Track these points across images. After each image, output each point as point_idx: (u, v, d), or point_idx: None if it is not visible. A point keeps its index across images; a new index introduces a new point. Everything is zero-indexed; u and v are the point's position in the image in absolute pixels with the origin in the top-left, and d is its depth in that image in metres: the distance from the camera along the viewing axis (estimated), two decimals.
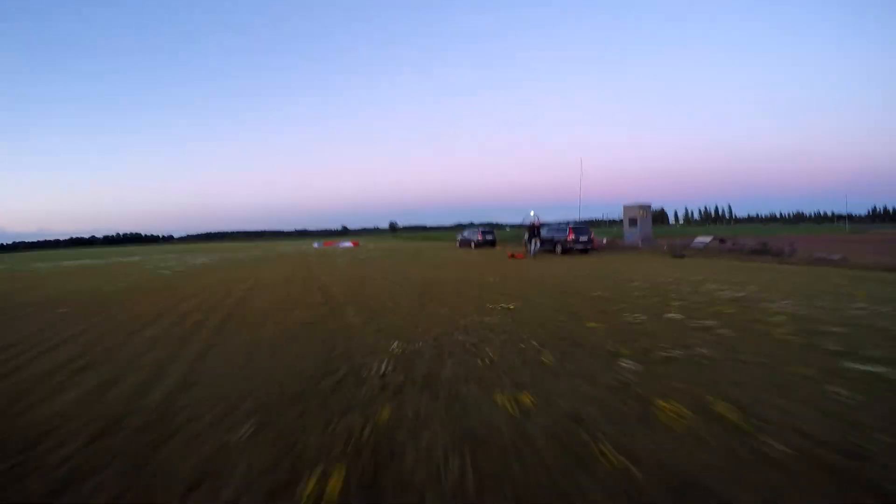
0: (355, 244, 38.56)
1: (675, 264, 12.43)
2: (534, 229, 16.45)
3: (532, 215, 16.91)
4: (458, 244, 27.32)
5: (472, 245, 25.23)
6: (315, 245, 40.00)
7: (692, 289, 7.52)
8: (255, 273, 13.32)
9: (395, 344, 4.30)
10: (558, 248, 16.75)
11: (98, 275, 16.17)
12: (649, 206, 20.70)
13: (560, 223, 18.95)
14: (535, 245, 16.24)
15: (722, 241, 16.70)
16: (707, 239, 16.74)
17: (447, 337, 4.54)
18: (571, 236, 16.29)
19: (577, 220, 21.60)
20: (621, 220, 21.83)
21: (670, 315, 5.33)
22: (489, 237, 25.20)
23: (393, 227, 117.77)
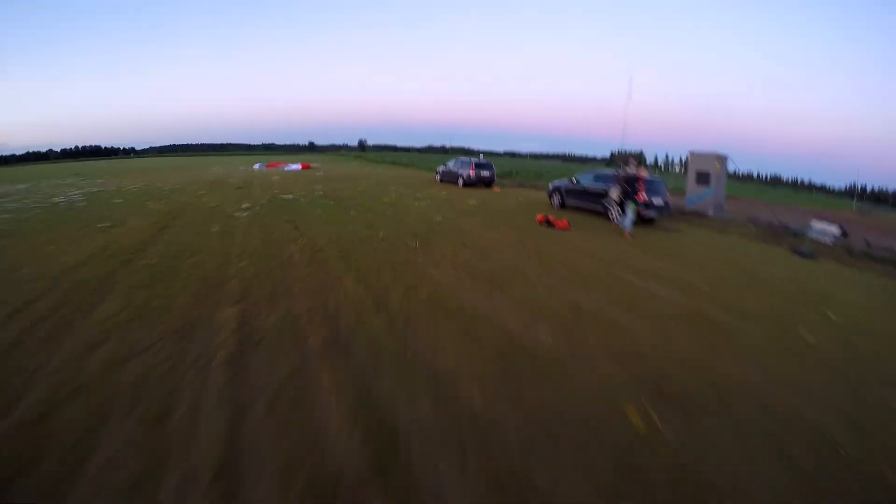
0: (305, 167, 29.90)
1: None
2: (631, 183, 9.38)
3: (630, 157, 9.57)
4: (438, 177, 20.13)
5: (460, 182, 18.20)
6: (256, 167, 31.02)
7: None
8: (59, 246, 6.10)
9: None
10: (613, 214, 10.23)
11: None
12: (726, 158, 14.31)
13: (607, 172, 12.28)
14: (625, 215, 9.32)
15: (844, 233, 10.84)
16: (834, 229, 10.75)
17: None
18: (643, 197, 9.69)
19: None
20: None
21: None
22: (485, 174, 18.06)
23: (362, 146, 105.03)
